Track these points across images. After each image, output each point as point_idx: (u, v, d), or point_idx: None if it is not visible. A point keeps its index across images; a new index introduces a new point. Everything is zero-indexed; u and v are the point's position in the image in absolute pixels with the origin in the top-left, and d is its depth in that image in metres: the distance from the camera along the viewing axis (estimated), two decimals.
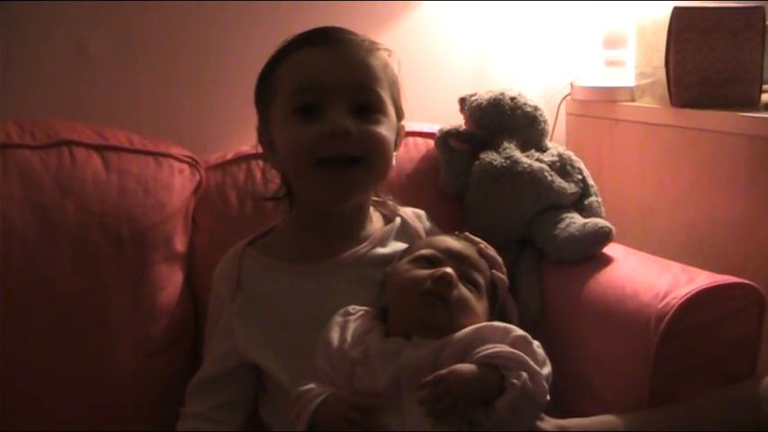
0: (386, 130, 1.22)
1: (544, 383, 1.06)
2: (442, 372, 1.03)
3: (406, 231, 1.31)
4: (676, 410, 1.12)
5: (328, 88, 1.19)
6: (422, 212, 1.37)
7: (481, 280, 1.16)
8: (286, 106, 1.21)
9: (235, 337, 1.21)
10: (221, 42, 1.66)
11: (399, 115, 1.27)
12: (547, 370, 1.08)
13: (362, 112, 1.20)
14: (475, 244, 1.22)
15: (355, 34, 1.25)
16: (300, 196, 1.28)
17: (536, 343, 1.10)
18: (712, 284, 1.15)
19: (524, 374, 1.03)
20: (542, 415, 1.10)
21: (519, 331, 1.10)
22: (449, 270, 1.12)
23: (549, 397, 1.07)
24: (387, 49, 1.27)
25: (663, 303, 1.14)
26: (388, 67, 1.25)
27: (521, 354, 1.06)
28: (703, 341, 1.15)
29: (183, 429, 1.21)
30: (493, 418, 1.03)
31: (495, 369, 1.04)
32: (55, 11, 1.59)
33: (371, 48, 1.24)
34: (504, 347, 1.06)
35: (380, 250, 1.26)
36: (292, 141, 1.20)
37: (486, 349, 1.06)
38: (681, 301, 1.13)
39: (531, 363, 1.05)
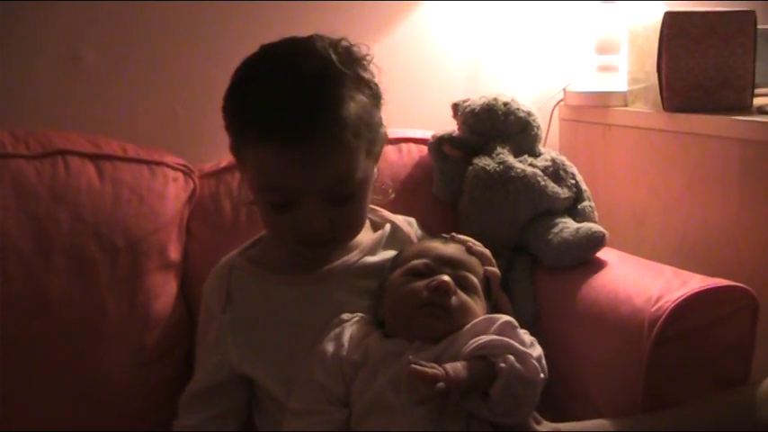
0: (362, 205, 1.21)
1: (534, 362, 1.07)
2: (437, 373, 1.02)
3: (397, 238, 1.31)
4: (670, 415, 1.12)
5: (299, 191, 1.15)
6: (412, 219, 1.37)
7: (476, 280, 1.18)
8: (257, 192, 1.20)
9: (226, 349, 1.21)
10: (215, 51, 1.65)
11: (376, 154, 1.22)
12: (537, 351, 1.09)
13: (338, 198, 1.17)
14: (463, 243, 1.23)
15: (311, 81, 1.13)
16: None
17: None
18: (705, 288, 1.15)
19: (511, 357, 1.05)
20: (538, 417, 1.10)
21: (503, 318, 1.12)
22: (445, 278, 1.13)
23: (543, 375, 1.08)
24: (362, 57, 1.19)
25: (656, 307, 1.14)
26: (358, 120, 1.15)
27: (504, 338, 1.07)
28: (696, 345, 1.15)
29: None
30: (492, 406, 1.04)
31: (485, 359, 1.05)
32: (49, 20, 1.59)
33: (339, 108, 1.12)
34: (489, 336, 1.08)
35: (370, 259, 1.26)
36: (269, 224, 1.21)
37: (474, 342, 1.07)
38: (674, 304, 1.13)
39: (517, 345, 1.07)
